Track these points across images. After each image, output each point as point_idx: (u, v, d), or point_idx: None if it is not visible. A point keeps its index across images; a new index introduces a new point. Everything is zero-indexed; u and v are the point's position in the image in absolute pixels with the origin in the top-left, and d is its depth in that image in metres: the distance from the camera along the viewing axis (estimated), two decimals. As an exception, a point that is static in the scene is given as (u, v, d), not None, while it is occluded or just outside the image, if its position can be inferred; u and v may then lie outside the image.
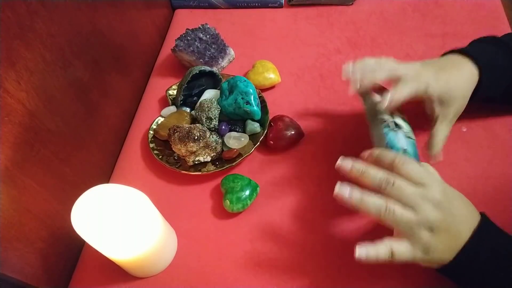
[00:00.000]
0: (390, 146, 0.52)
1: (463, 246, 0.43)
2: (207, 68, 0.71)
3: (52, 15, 0.51)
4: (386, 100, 0.52)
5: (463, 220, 0.44)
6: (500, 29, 0.79)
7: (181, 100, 0.70)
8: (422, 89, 0.53)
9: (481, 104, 0.64)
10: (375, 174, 0.45)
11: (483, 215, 0.46)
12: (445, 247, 0.44)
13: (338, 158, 0.65)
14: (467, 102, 0.56)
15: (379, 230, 0.54)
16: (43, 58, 0.50)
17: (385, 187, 0.44)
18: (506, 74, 0.57)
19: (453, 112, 0.55)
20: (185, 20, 0.90)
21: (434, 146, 0.56)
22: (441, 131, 0.56)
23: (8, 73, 0.44)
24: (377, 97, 0.58)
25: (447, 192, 0.45)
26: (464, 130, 0.65)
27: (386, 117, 0.55)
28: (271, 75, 0.74)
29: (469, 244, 0.43)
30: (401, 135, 0.53)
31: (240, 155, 0.64)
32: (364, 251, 0.44)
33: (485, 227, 0.45)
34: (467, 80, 0.55)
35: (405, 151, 0.52)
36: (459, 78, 0.55)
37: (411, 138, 0.54)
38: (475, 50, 0.58)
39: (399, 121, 0.55)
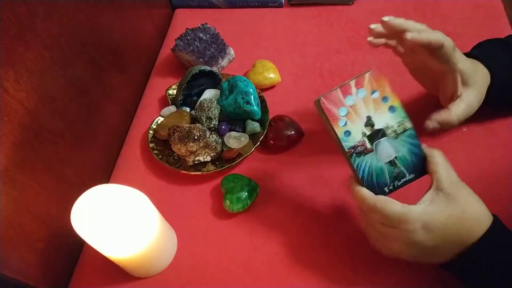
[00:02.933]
0: (369, 175, 0.47)
1: (471, 244, 0.43)
2: (207, 68, 0.71)
3: (52, 15, 0.51)
4: (408, 32, 0.48)
5: (458, 236, 0.43)
6: (500, 29, 0.78)
7: (181, 100, 0.70)
8: (451, 47, 0.51)
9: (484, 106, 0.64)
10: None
11: (495, 217, 0.45)
12: (423, 257, 0.45)
13: (338, 158, 0.65)
14: (483, 99, 0.55)
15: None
16: (43, 58, 0.50)
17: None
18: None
19: (474, 95, 0.53)
20: (185, 19, 0.90)
21: (449, 119, 0.53)
22: (459, 105, 0.53)
23: (8, 73, 0.44)
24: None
25: (436, 212, 0.43)
26: (464, 130, 0.65)
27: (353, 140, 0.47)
28: (271, 75, 0.74)
29: (479, 243, 0.43)
30: (382, 147, 0.47)
31: (240, 155, 0.64)
32: None
33: (497, 228, 0.44)
34: (483, 75, 0.55)
35: (393, 161, 0.48)
36: (479, 71, 0.54)
37: (401, 132, 0.47)
38: (482, 54, 0.57)
39: (377, 118, 0.47)
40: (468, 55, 0.56)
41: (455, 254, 0.44)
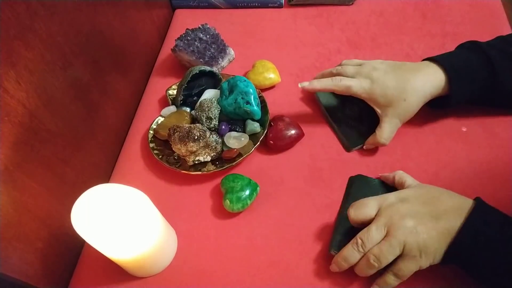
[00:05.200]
0: None
1: (458, 229, 0.46)
2: (207, 68, 0.71)
3: (52, 15, 0.51)
4: (305, 84, 0.64)
5: (434, 235, 0.47)
6: (500, 29, 0.79)
7: (181, 100, 0.70)
8: (345, 87, 0.62)
9: (480, 105, 0.65)
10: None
11: (477, 199, 0.48)
12: (431, 229, 0.47)
13: (338, 158, 0.65)
14: (417, 102, 0.60)
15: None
16: (43, 58, 0.50)
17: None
18: (478, 74, 0.59)
19: (391, 112, 0.60)
20: (185, 20, 0.90)
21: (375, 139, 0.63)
22: (382, 128, 0.62)
23: (8, 73, 0.44)
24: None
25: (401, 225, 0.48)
26: (464, 130, 0.65)
27: None
28: (271, 75, 0.74)
29: (464, 228, 0.45)
30: None
31: (240, 155, 0.64)
32: None
33: (479, 208, 0.47)
34: (424, 82, 0.59)
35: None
36: (412, 83, 0.59)
37: None
38: (443, 56, 0.61)
39: None
40: (430, 58, 0.62)
41: (450, 221, 0.46)
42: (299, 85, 0.64)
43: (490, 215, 0.47)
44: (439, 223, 0.47)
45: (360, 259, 0.50)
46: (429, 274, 0.51)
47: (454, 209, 0.47)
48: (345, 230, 0.54)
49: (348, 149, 0.65)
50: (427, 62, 0.61)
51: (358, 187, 0.60)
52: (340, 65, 0.67)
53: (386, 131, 0.61)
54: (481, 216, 0.46)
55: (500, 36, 0.64)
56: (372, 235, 0.48)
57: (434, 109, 0.64)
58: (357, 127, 0.66)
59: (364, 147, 0.64)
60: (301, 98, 0.73)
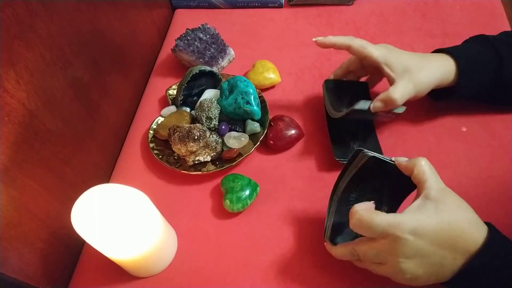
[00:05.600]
0: None
1: (473, 254, 0.41)
2: (207, 68, 0.71)
3: (52, 15, 0.51)
4: (319, 38, 0.60)
5: (447, 255, 0.42)
6: (500, 29, 0.78)
7: (181, 100, 0.70)
8: (359, 45, 0.59)
9: (478, 103, 0.65)
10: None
11: (490, 225, 0.44)
12: (430, 278, 0.44)
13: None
14: (431, 79, 0.58)
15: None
16: (43, 58, 0.50)
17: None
18: (487, 67, 0.59)
19: (408, 76, 0.57)
20: (185, 20, 0.90)
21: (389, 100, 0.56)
22: (396, 86, 0.57)
23: (8, 73, 0.44)
24: None
25: (423, 231, 0.42)
26: (464, 130, 0.65)
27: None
28: (271, 75, 0.74)
29: (475, 259, 0.41)
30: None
31: (240, 155, 0.64)
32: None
33: (492, 241, 0.42)
34: (437, 64, 0.58)
35: None
36: (426, 60, 0.58)
37: None
38: (453, 48, 0.61)
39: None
40: (440, 49, 0.61)
41: (457, 266, 0.42)
42: (313, 39, 0.60)
43: (498, 250, 0.42)
44: (442, 268, 0.43)
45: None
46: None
47: (465, 248, 0.42)
48: (339, 218, 0.52)
49: (334, 157, 0.63)
50: (437, 54, 0.61)
51: (367, 170, 0.51)
52: None
53: (400, 89, 0.56)
54: (487, 254, 0.42)
55: (505, 31, 0.64)
56: (370, 257, 0.46)
57: (437, 101, 0.63)
58: (348, 142, 0.65)
59: (372, 106, 0.57)
60: (301, 98, 0.73)
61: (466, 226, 0.42)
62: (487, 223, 0.44)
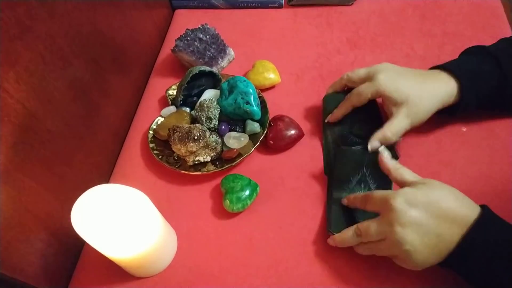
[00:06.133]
0: None
1: (464, 235, 0.44)
2: (207, 68, 0.71)
3: (52, 15, 0.51)
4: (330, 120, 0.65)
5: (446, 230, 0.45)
6: (500, 29, 0.79)
7: (181, 100, 0.70)
8: (356, 99, 0.61)
9: (486, 109, 0.64)
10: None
11: (485, 207, 0.46)
12: (429, 254, 0.46)
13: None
14: (431, 107, 0.58)
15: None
16: (43, 58, 0.50)
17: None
18: (489, 80, 0.58)
19: (404, 111, 0.57)
20: (185, 20, 0.90)
21: (381, 136, 0.59)
22: (392, 122, 0.58)
23: (8, 73, 0.44)
24: None
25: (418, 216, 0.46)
26: (464, 130, 0.65)
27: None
28: (271, 75, 0.74)
29: (470, 234, 0.44)
30: None
31: (240, 155, 0.64)
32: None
33: (487, 217, 0.45)
34: (438, 88, 0.58)
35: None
36: (426, 86, 0.58)
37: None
38: (453, 63, 0.60)
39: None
40: (439, 66, 0.61)
41: (453, 237, 0.44)
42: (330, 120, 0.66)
43: (492, 227, 0.45)
44: (439, 241, 0.45)
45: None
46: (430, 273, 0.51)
47: (458, 221, 0.45)
48: (339, 208, 0.56)
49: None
50: (437, 71, 0.60)
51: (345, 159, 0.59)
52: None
53: (395, 126, 0.58)
54: (482, 229, 0.44)
55: (503, 39, 0.64)
56: (371, 234, 0.48)
57: (441, 115, 0.61)
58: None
59: (369, 144, 0.59)
60: (301, 98, 0.73)
61: (456, 202, 0.46)
62: (481, 205, 0.47)
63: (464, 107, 0.59)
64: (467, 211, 0.45)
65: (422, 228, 0.45)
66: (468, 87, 0.57)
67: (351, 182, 0.58)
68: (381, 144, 0.58)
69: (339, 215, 0.56)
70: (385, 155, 0.54)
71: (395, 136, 0.58)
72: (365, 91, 0.60)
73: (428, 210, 0.45)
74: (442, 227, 0.45)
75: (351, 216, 0.56)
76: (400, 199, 0.46)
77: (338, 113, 0.64)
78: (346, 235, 0.52)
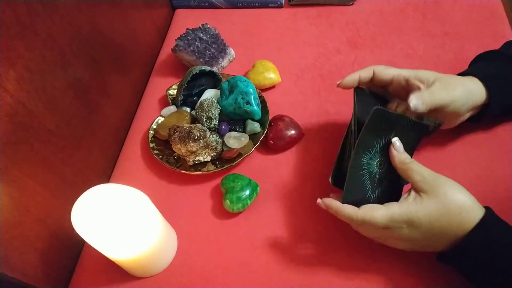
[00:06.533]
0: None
1: (466, 234, 0.44)
2: (207, 68, 0.71)
3: (52, 15, 0.51)
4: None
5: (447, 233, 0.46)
6: (500, 29, 0.79)
7: (181, 100, 0.70)
8: (407, 75, 0.54)
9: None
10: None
11: (488, 209, 0.46)
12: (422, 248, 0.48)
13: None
14: (463, 99, 0.53)
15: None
16: (43, 58, 0.50)
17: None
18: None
19: (439, 84, 0.52)
20: (185, 20, 0.90)
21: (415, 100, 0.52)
22: (431, 91, 0.52)
23: (8, 73, 0.44)
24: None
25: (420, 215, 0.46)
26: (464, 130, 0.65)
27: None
28: (271, 75, 0.74)
29: (471, 233, 0.44)
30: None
31: (240, 155, 0.64)
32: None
33: (490, 219, 0.45)
34: (467, 86, 0.54)
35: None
36: (457, 83, 0.54)
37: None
38: (476, 69, 0.58)
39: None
40: (466, 73, 0.57)
41: (451, 244, 0.46)
42: (337, 84, 0.57)
43: (494, 229, 0.45)
44: (435, 243, 0.47)
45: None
46: (428, 266, 0.51)
47: (457, 232, 0.45)
48: (356, 174, 0.51)
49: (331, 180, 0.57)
50: (464, 76, 0.57)
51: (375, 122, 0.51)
52: None
53: (433, 93, 0.52)
54: (483, 230, 0.45)
55: (510, 41, 0.63)
56: (368, 231, 0.50)
57: (471, 122, 0.59)
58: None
59: (410, 102, 0.51)
60: (301, 98, 0.73)
61: (463, 215, 0.45)
62: (486, 207, 0.46)
63: (494, 108, 0.56)
64: (469, 218, 0.45)
65: (420, 242, 0.47)
66: (493, 87, 0.55)
67: (376, 147, 0.52)
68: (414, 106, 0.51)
69: (354, 182, 0.51)
70: (397, 146, 0.50)
71: (428, 104, 0.51)
72: (395, 70, 0.55)
73: (429, 230, 0.46)
74: (441, 240, 0.47)
75: (363, 188, 0.51)
76: (403, 221, 0.46)
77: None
78: (343, 212, 0.48)
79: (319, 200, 0.51)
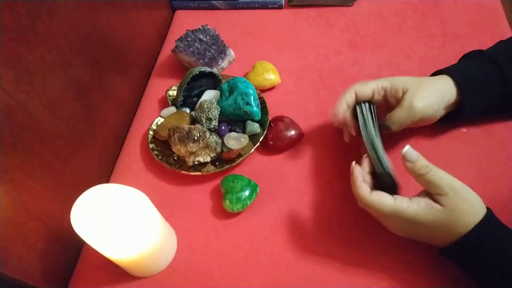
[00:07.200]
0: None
1: (468, 231, 0.45)
2: (207, 69, 0.71)
3: (52, 15, 0.51)
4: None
5: (468, 211, 0.46)
6: (500, 29, 0.79)
7: (181, 101, 0.70)
8: (384, 85, 0.57)
9: (488, 114, 0.64)
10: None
11: (489, 210, 0.47)
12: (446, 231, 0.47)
13: (338, 158, 0.65)
14: (433, 100, 0.56)
15: (380, 229, 0.55)
16: (43, 58, 0.50)
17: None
18: (489, 83, 0.58)
19: (407, 98, 0.55)
20: (185, 21, 0.90)
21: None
22: (395, 114, 0.56)
23: (8, 73, 0.45)
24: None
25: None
26: (464, 130, 0.65)
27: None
28: (271, 76, 0.74)
29: (475, 230, 0.45)
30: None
31: (240, 155, 0.64)
32: None
33: (491, 219, 0.47)
34: (438, 89, 0.57)
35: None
36: (427, 80, 0.57)
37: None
38: (451, 68, 0.60)
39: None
40: (440, 71, 0.60)
41: (453, 240, 0.47)
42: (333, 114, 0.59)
43: (497, 230, 0.47)
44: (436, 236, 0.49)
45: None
46: (430, 260, 0.51)
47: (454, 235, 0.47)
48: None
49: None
50: (438, 76, 0.59)
51: None
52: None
53: (397, 114, 0.56)
54: (488, 228, 0.46)
55: (502, 41, 0.63)
56: (371, 212, 0.51)
57: (443, 122, 0.61)
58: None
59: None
60: (301, 99, 0.73)
61: (467, 216, 0.46)
62: (487, 208, 0.47)
63: (468, 110, 0.58)
64: (472, 221, 0.46)
65: (421, 236, 0.50)
66: (466, 89, 0.57)
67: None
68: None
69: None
70: (411, 157, 0.49)
71: (395, 125, 0.57)
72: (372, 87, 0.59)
73: (431, 228, 0.47)
74: (442, 236, 0.48)
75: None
76: (407, 217, 0.47)
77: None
78: (357, 188, 0.50)
79: (354, 163, 0.53)
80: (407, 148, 0.49)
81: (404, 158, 0.48)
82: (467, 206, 0.46)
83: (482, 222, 0.45)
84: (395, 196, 0.48)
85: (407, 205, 0.47)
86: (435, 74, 0.62)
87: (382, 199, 0.48)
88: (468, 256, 0.46)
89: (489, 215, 0.46)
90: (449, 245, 0.47)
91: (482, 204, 0.47)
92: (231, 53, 0.80)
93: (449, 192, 0.45)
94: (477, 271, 0.47)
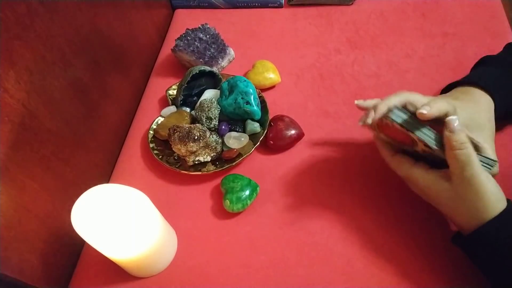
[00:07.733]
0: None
1: (486, 222, 0.45)
2: (207, 68, 0.71)
3: (52, 15, 0.51)
4: (424, 110, 0.46)
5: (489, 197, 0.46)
6: (500, 29, 0.79)
7: (181, 100, 0.70)
8: (452, 109, 0.48)
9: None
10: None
11: (510, 202, 0.47)
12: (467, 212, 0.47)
13: (338, 158, 0.65)
14: (494, 128, 0.56)
15: (378, 228, 0.55)
16: (43, 58, 0.50)
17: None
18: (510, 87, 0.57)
19: (482, 137, 0.53)
20: (185, 20, 0.90)
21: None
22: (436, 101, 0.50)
23: (8, 73, 0.44)
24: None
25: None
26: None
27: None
28: (271, 75, 0.74)
29: (492, 222, 0.45)
30: None
31: (240, 155, 0.64)
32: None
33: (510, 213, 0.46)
34: (487, 109, 0.55)
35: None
36: (479, 109, 0.54)
37: None
38: (481, 78, 0.57)
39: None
40: (467, 82, 0.57)
41: (470, 223, 0.46)
42: (355, 103, 0.55)
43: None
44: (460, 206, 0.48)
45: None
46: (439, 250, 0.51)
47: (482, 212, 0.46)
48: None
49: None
50: (466, 88, 0.56)
51: None
52: None
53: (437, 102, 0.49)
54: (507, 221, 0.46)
55: (509, 44, 0.63)
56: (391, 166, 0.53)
57: None
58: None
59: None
60: (301, 98, 0.73)
61: (490, 201, 0.46)
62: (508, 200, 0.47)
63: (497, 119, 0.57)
64: (494, 206, 0.46)
65: (429, 200, 0.51)
66: (500, 101, 0.56)
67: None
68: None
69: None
70: (452, 127, 0.45)
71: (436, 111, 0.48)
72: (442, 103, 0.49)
73: (450, 200, 0.48)
74: (462, 209, 0.48)
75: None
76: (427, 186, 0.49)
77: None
78: (383, 148, 0.54)
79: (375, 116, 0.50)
80: (451, 117, 0.46)
81: (445, 125, 0.46)
82: (480, 200, 0.46)
83: (504, 213, 0.45)
84: (416, 163, 0.50)
85: (424, 173, 0.49)
86: (458, 83, 0.58)
87: (401, 163, 0.51)
88: (483, 247, 0.46)
89: (509, 208, 0.46)
90: (464, 235, 0.48)
91: (503, 198, 0.47)
92: (231, 52, 0.80)
93: (463, 180, 0.46)
94: (490, 262, 0.47)
